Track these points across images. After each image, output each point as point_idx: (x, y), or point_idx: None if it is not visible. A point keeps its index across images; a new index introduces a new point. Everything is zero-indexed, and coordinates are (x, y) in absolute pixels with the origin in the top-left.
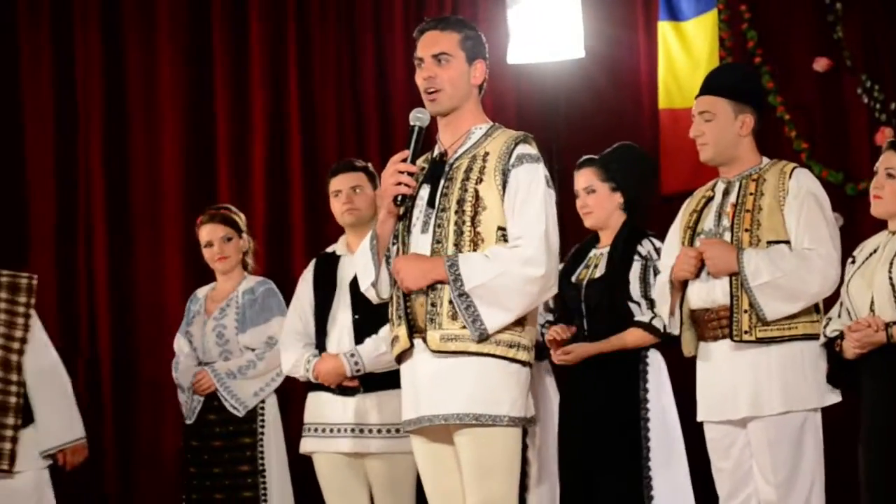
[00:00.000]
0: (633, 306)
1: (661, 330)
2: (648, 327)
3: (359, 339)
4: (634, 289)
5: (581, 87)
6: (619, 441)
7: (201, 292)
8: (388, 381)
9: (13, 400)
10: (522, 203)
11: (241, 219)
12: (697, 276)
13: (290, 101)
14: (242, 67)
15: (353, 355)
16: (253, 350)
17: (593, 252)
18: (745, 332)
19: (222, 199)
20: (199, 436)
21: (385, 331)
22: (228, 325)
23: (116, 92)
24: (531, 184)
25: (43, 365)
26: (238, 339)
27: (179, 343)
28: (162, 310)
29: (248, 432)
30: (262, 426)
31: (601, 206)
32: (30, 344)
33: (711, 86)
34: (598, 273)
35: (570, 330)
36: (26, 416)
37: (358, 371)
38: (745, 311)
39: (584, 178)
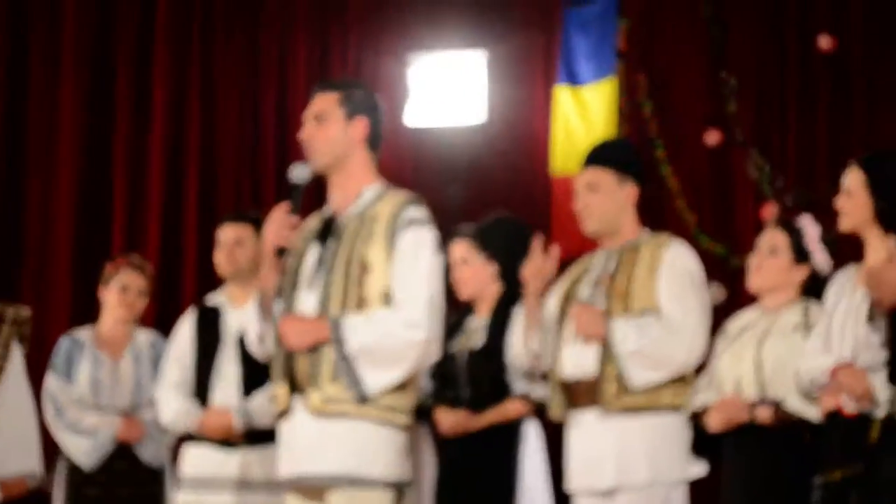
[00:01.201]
0: (513, 376)
1: (539, 400)
2: (525, 398)
3: (246, 392)
4: (515, 357)
5: (481, 152)
6: None
7: (82, 335)
8: (272, 434)
9: None
10: (408, 267)
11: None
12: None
13: (190, 155)
14: (143, 118)
15: (243, 411)
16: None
17: (469, 321)
18: (610, 402)
19: (115, 241)
20: (99, 484)
21: None
22: (145, 375)
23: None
24: (418, 248)
25: (10, 398)
26: (150, 389)
27: (59, 385)
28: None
29: (156, 481)
30: (165, 477)
31: (476, 277)
32: (3, 374)
33: (596, 157)
34: (480, 343)
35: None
36: None
37: (248, 427)
38: (613, 381)
39: (458, 250)
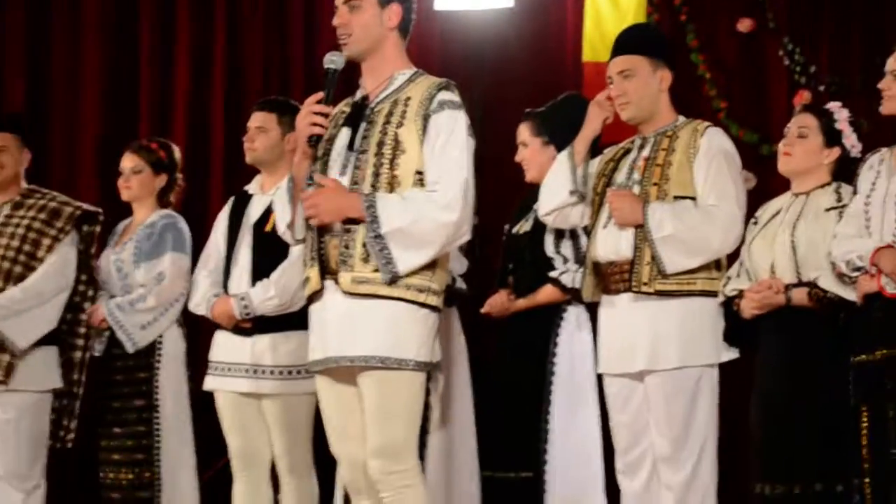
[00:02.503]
0: (556, 259)
1: (569, 285)
2: (556, 283)
3: (256, 280)
4: (549, 244)
5: (507, 37)
6: (522, 386)
7: (121, 225)
8: (282, 323)
9: None
10: (442, 148)
11: (167, 155)
12: (605, 226)
13: (216, 38)
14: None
15: (242, 299)
16: (144, 285)
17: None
18: (645, 284)
19: (142, 132)
20: (103, 370)
21: (276, 274)
22: (126, 260)
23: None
24: (453, 130)
25: (43, 288)
26: (135, 273)
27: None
28: None
29: (144, 367)
30: (159, 361)
31: (534, 160)
32: (44, 264)
33: (627, 45)
34: (527, 227)
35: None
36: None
37: (248, 314)
38: (647, 264)
39: (519, 133)
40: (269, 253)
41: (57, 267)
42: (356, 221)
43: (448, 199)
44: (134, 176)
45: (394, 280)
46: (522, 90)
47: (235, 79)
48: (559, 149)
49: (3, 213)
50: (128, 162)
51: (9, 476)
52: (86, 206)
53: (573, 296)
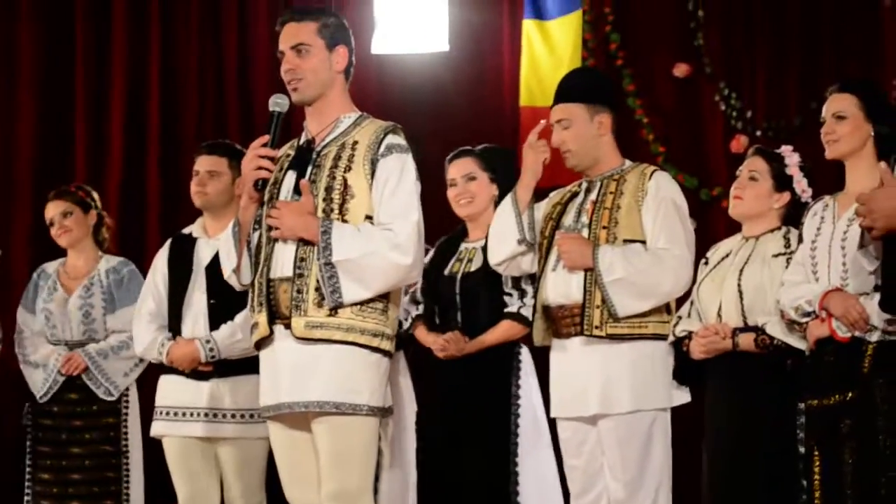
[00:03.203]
0: (506, 298)
1: (530, 318)
2: (518, 317)
3: (214, 324)
4: (506, 280)
5: (444, 81)
6: (489, 427)
7: (50, 267)
8: (242, 366)
9: None
10: (392, 192)
11: (86, 194)
12: (553, 269)
13: (151, 79)
14: (103, 46)
15: (208, 341)
16: (121, 332)
17: (464, 246)
18: (597, 328)
19: (78, 177)
20: (53, 415)
21: (241, 317)
22: (96, 305)
23: None
24: (402, 174)
25: None
26: (105, 319)
27: (24, 318)
28: (8, 288)
29: (112, 412)
30: (127, 407)
31: (482, 193)
32: None
33: (564, 93)
34: (474, 266)
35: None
36: None
37: (213, 357)
38: (598, 307)
39: (463, 166)
40: (226, 296)
41: None
42: (307, 262)
43: (402, 240)
44: (66, 219)
45: (336, 307)
46: (460, 134)
47: (171, 121)
48: (500, 191)
49: None
50: (56, 209)
51: None
52: None
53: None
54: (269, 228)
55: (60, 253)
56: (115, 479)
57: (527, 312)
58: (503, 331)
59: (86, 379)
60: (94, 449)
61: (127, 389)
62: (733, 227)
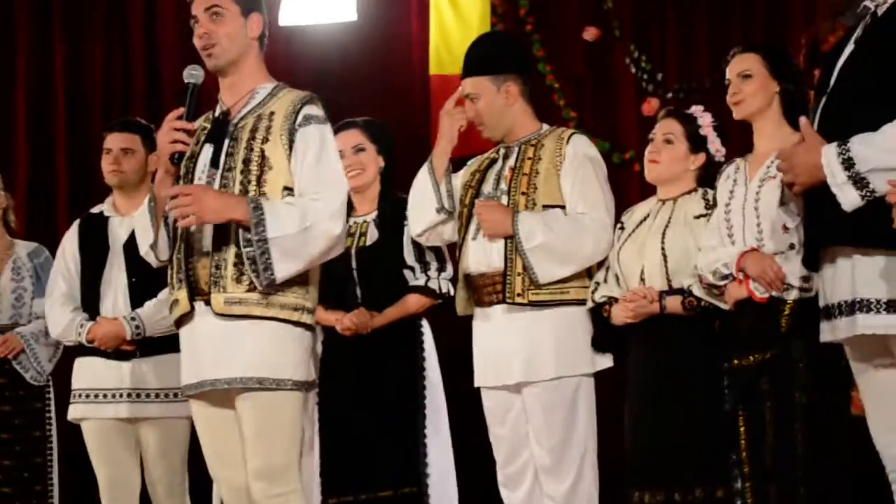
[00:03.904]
0: (406, 272)
1: (438, 291)
2: (425, 290)
3: (135, 302)
4: (408, 253)
5: (353, 51)
6: (398, 409)
7: None
8: (163, 344)
9: None
10: (316, 161)
11: None
12: (474, 238)
13: (55, 58)
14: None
15: (133, 318)
16: (42, 317)
17: (352, 220)
18: (518, 295)
19: None
20: None
21: (164, 293)
22: (28, 289)
23: None
24: (323, 143)
25: None
26: (32, 304)
27: None
28: None
29: (38, 397)
30: (49, 392)
31: (371, 165)
32: None
33: (470, 66)
34: (369, 240)
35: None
36: None
37: (139, 335)
38: (519, 275)
39: (351, 138)
40: (146, 274)
41: None
42: (225, 237)
43: (335, 209)
44: None
45: (269, 286)
46: (370, 104)
47: (77, 100)
48: (385, 162)
49: None
50: None
51: None
52: None
53: (445, 301)
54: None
55: None
56: (43, 465)
57: (433, 285)
58: (411, 304)
59: (15, 363)
60: (23, 434)
61: (49, 376)
62: (646, 190)
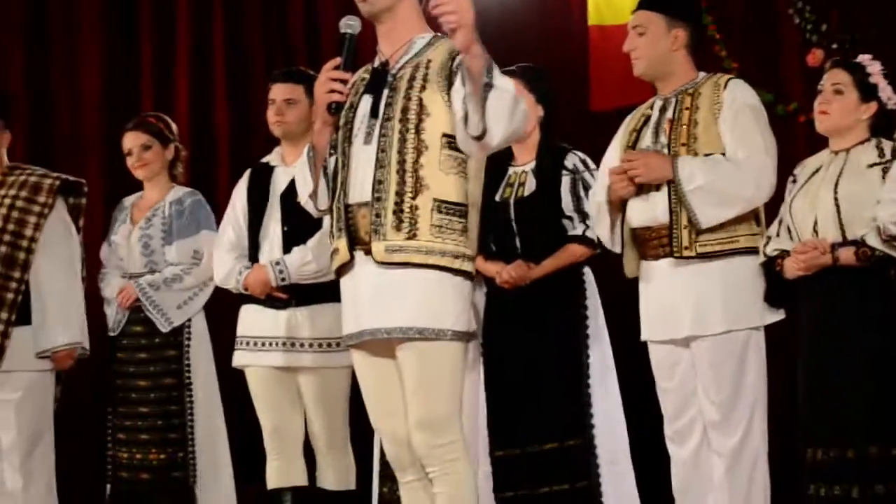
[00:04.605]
0: (565, 222)
1: (596, 241)
2: (584, 240)
3: (287, 250)
4: (567, 203)
5: (511, 1)
6: (561, 360)
7: (128, 200)
8: (320, 294)
9: (10, 296)
10: None
11: (166, 126)
12: (638, 193)
13: (215, 10)
14: None
15: (277, 264)
16: (178, 264)
17: (512, 170)
18: (686, 248)
19: (145, 108)
20: (124, 348)
21: (313, 241)
22: (154, 236)
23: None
24: None
25: (49, 267)
26: (164, 250)
27: (105, 253)
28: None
29: (174, 345)
30: (189, 339)
31: (529, 114)
32: (41, 244)
33: (646, 0)
34: (527, 191)
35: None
36: (25, 314)
37: (283, 280)
38: (685, 227)
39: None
40: (300, 224)
41: (63, 259)
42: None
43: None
44: (146, 152)
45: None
46: (528, 51)
47: (237, 51)
48: (545, 111)
49: None
50: (134, 140)
51: (11, 456)
52: (65, 176)
53: (602, 251)
54: (345, 155)
55: (133, 184)
56: (180, 413)
57: (591, 235)
58: (570, 254)
59: (146, 311)
60: (157, 382)
61: (189, 322)
62: (813, 142)
